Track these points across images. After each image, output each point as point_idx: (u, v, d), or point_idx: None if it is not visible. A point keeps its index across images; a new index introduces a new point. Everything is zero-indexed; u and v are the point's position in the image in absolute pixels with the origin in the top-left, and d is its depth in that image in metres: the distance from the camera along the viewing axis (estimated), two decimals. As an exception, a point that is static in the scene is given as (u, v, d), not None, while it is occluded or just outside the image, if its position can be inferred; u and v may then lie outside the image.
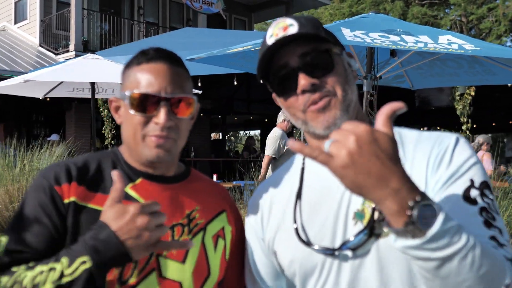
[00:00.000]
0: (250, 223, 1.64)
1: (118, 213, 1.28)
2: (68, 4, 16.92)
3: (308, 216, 1.45)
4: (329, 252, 1.38)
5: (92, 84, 8.29)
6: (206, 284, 1.58)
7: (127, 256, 1.28)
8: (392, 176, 1.02)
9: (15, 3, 18.91)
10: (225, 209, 1.71)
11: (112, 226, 1.27)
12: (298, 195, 1.50)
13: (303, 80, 1.38)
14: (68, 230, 1.41)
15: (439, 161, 1.33)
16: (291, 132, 8.00)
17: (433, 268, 1.06)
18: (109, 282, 1.40)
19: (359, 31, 4.71)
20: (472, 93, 10.65)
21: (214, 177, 12.39)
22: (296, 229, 1.45)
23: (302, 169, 1.56)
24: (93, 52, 12.03)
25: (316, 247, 1.40)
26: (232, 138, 43.22)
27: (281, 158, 7.42)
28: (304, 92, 1.40)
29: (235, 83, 10.91)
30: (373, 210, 1.33)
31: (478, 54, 4.51)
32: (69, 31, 16.76)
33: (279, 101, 1.51)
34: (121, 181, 1.34)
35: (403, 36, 4.77)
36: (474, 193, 1.27)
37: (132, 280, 1.43)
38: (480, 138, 10.63)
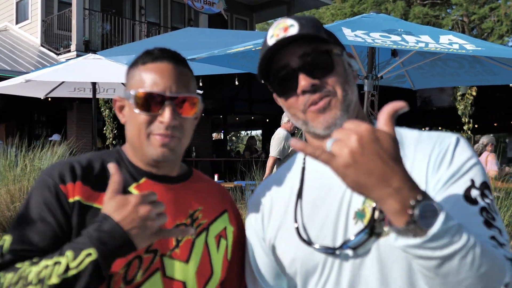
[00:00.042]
0: (251, 223, 1.64)
1: (119, 204, 1.29)
2: (70, 4, 16.93)
3: (309, 215, 1.46)
4: (330, 251, 1.38)
5: (93, 84, 8.29)
6: (209, 284, 1.59)
7: (132, 245, 1.29)
8: (393, 175, 1.02)
9: (17, 3, 18.93)
10: (226, 209, 1.72)
11: (115, 217, 1.28)
12: (299, 195, 1.51)
13: (303, 81, 1.39)
14: (73, 230, 1.42)
15: (439, 161, 1.34)
16: (294, 132, 7.99)
17: (434, 266, 1.06)
18: (114, 282, 1.41)
19: (360, 31, 4.71)
20: (474, 93, 10.65)
21: (216, 177, 12.40)
22: (297, 229, 1.45)
23: (303, 169, 1.56)
24: (95, 52, 12.04)
25: (317, 246, 1.40)
26: (233, 138, 43.25)
27: (286, 159, 7.41)
28: (304, 92, 1.40)
29: (237, 83, 10.92)
30: (374, 209, 1.33)
31: (479, 54, 4.50)
32: (71, 31, 16.77)
33: (280, 101, 1.51)
34: (118, 173, 1.35)
35: (404, 36, 4.77)
36: (474, 193, 1.28)
37: (137, 280, 1.44)
38: (484, 139, 10.57)
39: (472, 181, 1.30)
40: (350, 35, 4.57)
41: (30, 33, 18.16)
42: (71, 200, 1.44)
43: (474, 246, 1.06)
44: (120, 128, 13.21)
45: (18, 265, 1.32)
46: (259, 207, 1.62)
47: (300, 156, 1.62)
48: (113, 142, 12.39)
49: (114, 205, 1.30)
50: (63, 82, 8.83)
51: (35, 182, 1.49)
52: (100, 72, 7.97)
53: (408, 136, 1.45)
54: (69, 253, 1.26)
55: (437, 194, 1.30)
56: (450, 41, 4.74)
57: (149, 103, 1.47)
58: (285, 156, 7.43)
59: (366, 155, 1.01)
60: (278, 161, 7.47)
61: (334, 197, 1.42)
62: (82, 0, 16.74)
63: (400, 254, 1.17)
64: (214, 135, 25.75)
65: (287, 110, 1.49)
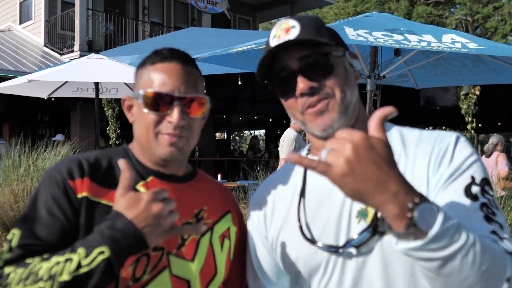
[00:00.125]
0: (253, 221, 1.65)
1: (132, 201, 1.29)
2: (73, 4, 16.95)
3: (312, 214, 1.46)
4: (333, 249, 1.39)
5: (96, 84, 8.31)
6: (212, 283, 1.60)
7: (145, 243, 1.29)
8: (390, 180, 1.03)
9: (20, 3, 18.96)
10: (230, 209, 1.73)
11: (128, 215, 1.28)
12: (302, 193, 1.51)
13: (301, 84, 1.40)
14: (80, 225, 1.42)
15: (440, 160, 1.35)
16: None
17: (436, 267, 1.07)
18: (123, 279, 1.42)
19: (362, 30, 4.71)
20: (477, 93, 10.64)
21: (219, 176, 12.41)
22: (300, 227, 1.46)
23: (305, 168, 1.56)
24: (98, 52, 12.05)
25: (320, 244, 1.41)
26: (237, 138, 43.26)
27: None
28: (302, 95, 1.42)
29: (240, 82, 10.93)
30: None
31: (482, 53, 4.50)
32: (74, 31, 16.80)
33: (281, 101, 1.52)
34: (129, 170, 1.35)
35: (406, 35, 4.76)
36: (475, 189, 1.29)
37: (145, 277, 1.45)
38: (494, 139, 10.52)
39: (473, 177, 1.31)
40: (352, 34, 4.57)
41: (34, 33, 18.19)
42: (79, 195, 1.44)
43: (474, 244, 1.06)
44: (123, 128, 13.25)
45: (28, 260, 1.32)
46: (262, 205, 1.63)
47: (303, 153, 1.63)
48: (116, 142, 12.42)
49: (126, 203, 1.29)
50: (66, 82, 8.84)
51: (43, 178, 1.49)
52: (103, 72, 7.98)
53: (409, 135, 1.46)
54: (81, 251, 1.26)
55: (438, 192, 1.31)
56: (453, 40, 4.73)
57: (158, 103, 1.49)
58: None
59: (362, 163, 1.02)
60: None
61: (337, 196, 1.41)
62: (85, 0, 16.75)
63: None
64: (218, 134, 25.76)
65: (287, 110, 1.51)
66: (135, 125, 1.58)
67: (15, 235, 1.38)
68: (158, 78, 1.50)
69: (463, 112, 10.85)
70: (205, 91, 1.60)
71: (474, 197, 1.27)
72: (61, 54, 16.87)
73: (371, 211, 1.36)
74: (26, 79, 7.93)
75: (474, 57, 5.84)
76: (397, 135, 1.47)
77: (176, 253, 1.52)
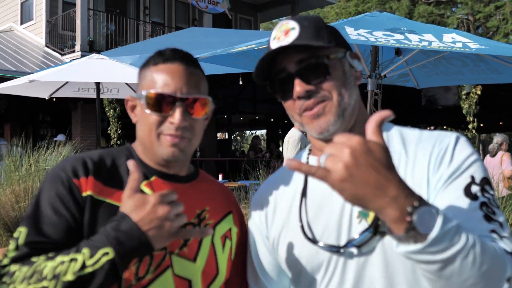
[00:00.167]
0: (255, 221, 1.65)
1: (138, 203, 1.29)
2: (74, 5, 16.96)
3: (313, 214, 1.47)
4: (334, 249, 1.39)
5: (97, 84, 8.31)
6: (214, 283, 1.60)
7: (149, 246, 1.29)
8: (389, 184, 1.04)
9: (21, 3, 18.98)
10: (231, 210, 1.74)
11: (134, 217, 1.28)
12: (303, 193, 1.52)
13: (298, 87, 1.41)
14: (84, 224, 1.42)
15: (440, 160, 1.35)
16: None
17: (436, 269, 1.07)
18: (126, 279, 1.42)
19: (363, 29, 4.70)
20: (478, 92, 10.63)
21: (220, 176, 12.41)
22: (302, 227, 1.46)
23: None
24: (99, 52, 12.05)
25: (321, 244, 1.41)
26: (238, 137, 43.27)
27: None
28: (299, 98, 1.42)
29: (241, 82, 10.92)
30: None
31: (483, 52, 4.49)
32: (75, 32, 16.81)
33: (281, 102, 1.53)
34: (138, 171, 1.35)
35: (407, 34, 4.76)
36: (474, 189, 1.29)
37: (148, 277, 1.45)
38: (498, 138, 10.51)
39: (472, 177, 1.31)
40: (353, 34, 4.57)
41: (35, 33, 18.21)
42: (84, 194, 1.45)
43: (474, 245, 1.07)
44: (124, 128, 13.25)
45: (33, 258, 1.32)
46: (263, 205, 1.63)
47: (304, 155, 1.63)
48: (117, 142, 12.43)
49: (132, 204, 1.29)
50: (67, 82, 8.84)
51: (47, 176, 1.50)
52: (104, 72, 7.98)
53: (409, 135, 1.47)
54: (85, 251, 1.26)
55: (438, 192, 1.32)
56: (454, 40, 4.73)
57: (160, 103, 1.49)
58: None
59: (360, 168, 1.02)
60: None
61: (338, 196, 1.41)
62: (86, 0, 16.77)
63: None
64: (219, 134, 25.78)
65: (286, 111, 1.51)
66: (138, 125, 1.58)
67: (21, 233, 1.39)
68: (161, 79, 1.51)
69: (464, 111, 10.85)
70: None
71: (474, 197, 1.28)
72: (62, 54, 16.88)
73: (372, 212, 1.36)
74: (27, 79, 7.93)
75: (475, 57, 5.84)
76: (397, 135, 1.47)
77: (179, 253, 1.52)
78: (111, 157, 1.57)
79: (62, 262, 1.26)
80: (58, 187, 1.44)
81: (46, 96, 9.33)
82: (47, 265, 1.27)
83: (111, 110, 12.66)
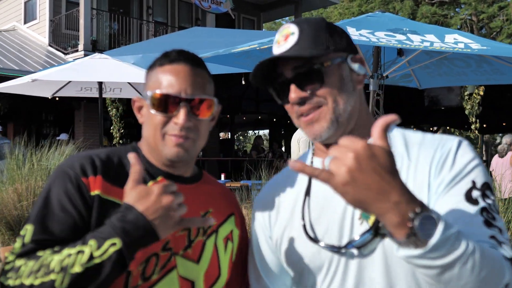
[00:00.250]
0: (258, 221, 1.66)
1: (142, 194, 1.31)
2: (77, 4, 16.98)
3: (316, 214, 1.47)
4: (335, 250, 1.40)
5: (100, 83, 8.32)
6: (216, 285, 1.61)
7: (155, 235, 1.30)
8: (391, 189, 1.04)
9: (25, 3, 19.01)
10: (233, 212, 1.75)
11: (139, 207, 1.29)
12: (307, 193, 1.52)
13: (293, 93, 1.42)
14: (92, 223, 1.43)
15: (441, 164, 1.35)
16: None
17: (436, 274, 1.08)
18: (133, 278, 1.43)
19: (365, 30, 4.70)
20: (481, 93, 10.62)
21: (222, 176, 12.41)
22: (304, 226, 1.47)
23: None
24: (102, 51, 12.06)
25: (322, 244, 1.42)
26: (241, 137, 43.28)
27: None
28: (294, 103, 1.44)
29: (243, 82, 10.92)
30: None
31: (485, 53, 4.49)
32: (78, 31, 16.83)
33: None
34: (139, 163, 1.37)
35: (409, 35, 4.76)
36: (475, 194, 1.30)
37: (154, 277, 1.46)
38: (507, 138, 10.47)
39: (474, 182, 1.31)
40: (355, 34, 4.57)
41: (38, 32, 18.23)
42: (92, 193, 1.46)
43: (473, 252, 1.08)
44: (126, 128, 13.28)
45: (39, 253, 1.33)
46: (267, 205, 1.64)
47: (308, 156, 1.64)
48: (120, 141, 12.45)
49: (136, 195, 1.31)
50: (69, 81, 8.85)
51: (54, 174, 1.50)
52: (106, 71, 8.00)
53: (412, 138, 1.47)
54: (92, 242, 1.27)
55: (439, 196, 1.32)
56: (456, 40, 4.73)
57: (165, 104, 1.50)
58: None
59: (363, 172, 1.03)
60: None
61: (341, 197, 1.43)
62: (89, 0, 16.79)
63: None
64: (222, 134, 25.78)
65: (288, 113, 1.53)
66: (144, 125, 1.59)
67: (28, 230, 1.39)
68: (166, 80, 1.52)
69: (467, 112, 10.84)
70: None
71: (474, 202, 1.28)
72: (65, 54, 16.91)
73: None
74: (30, 78, 7.94)
75: (478, 57, 5.83)
76: (400, 138, 1.47)
77: (183, 254, 1.54)
78: (118, 156, 1.58)
79: (69, 255, 1.27)
80: (66, 184, 1.45)
81: (49, 95, 9.34)
82: (54, 258, 1.28)
83: (114, 110, 12.69)
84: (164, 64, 1.54)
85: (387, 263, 1.34)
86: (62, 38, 17.61)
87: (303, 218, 1.48)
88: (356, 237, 1.38)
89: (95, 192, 1.46)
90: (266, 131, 30.03)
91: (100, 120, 8.51)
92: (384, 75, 5.72)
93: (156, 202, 1.29)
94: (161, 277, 1.48)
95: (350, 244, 1.38)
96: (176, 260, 1.52)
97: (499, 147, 10.51)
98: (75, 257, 1.26)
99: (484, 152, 25.76)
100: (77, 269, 1.24)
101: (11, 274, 1.30)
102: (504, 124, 21.49)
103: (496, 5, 32.86)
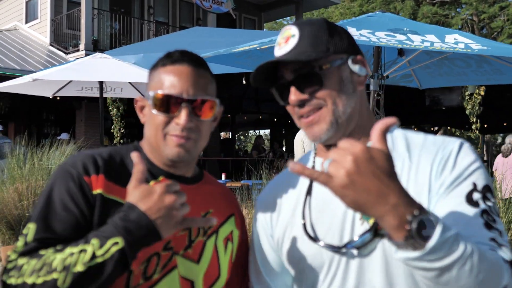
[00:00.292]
0: (260, 219, 1.66)
1: (145, 193, 1.31)
2: (79, 4, 16.98)
3: (317, 213, 1.48)
4: (334, 249, 1.40)
5: (100, 83, 8.32)
6: (215, 285, 1.62)
7: (158, 234, 1.30)
8: (390, 192, 1.05)
9: (26, 2, 19.01)
10: (234, 212, 1.75)
11: (141, 207, 1.29)
12: (309, 192, 1.53)
13: (293, 96, 1.43)
14: (94, 222, 1.43)
15: (443, 166, 1.36)
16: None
17: (434, 276, 1.09)
18: (134, 277, 1.43)
19: (365, 30, 4.70)
20: (482, 93, 10.61)
21: (223, 176, 12.41)
22: (304, 225, 1.48)
23: (313, 167, 1.59)
24: (103, 51, 12.06)
25: (321, 243, 1.42)
26: (242, 137, 43.27)
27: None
28: (294, 105, 1.45)
29: (244, 82, 10.92)
30: None
31: (485, 53, 4.49)
32: (80, 31, 16.83)
33: None
34: (142, 163, 1.37)
35: (409, 35, 4.76)
36: (476, 196, 1.30)
37: (155, 277, 1.47)
38: (511, 138, 10.47)
39: (474, 184, 1.32)
40: (355, 34, 4.57)
41: (39, 32, 18.24)
42: (94, 192, 1.46)
43: (471, 254, 1.08)
44: (127, 127, 13.28)
45: (42, 252, 1.33)
46: (269, 204, 1.65)
47: (311, 157, 1.64)
48: (121, 141, 12.45)
49: (139, 194, 1.31)
50: (70, 81, 8.86)
51: (57, 172, 1.50)
52: (107, 71, 7.99)
53: (414, 140, 1.47)
54: (95, 241, 1.27)
55: (440, 198, 1.33)
56: (456, 40, 4.73)
57: (167, 104, 1.51)
58: None
59: (362, 175, 1.04)
60: None
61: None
62: (91, -1, 16.81)
63: None
64: (222, 134, 25.78)
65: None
66: (146, 125, 1.60)
67: (30, 229, 1.40)
68: (168, 80, 1.52)
69: (467, 112, 10.84)
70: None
71: (475, 204, 1.29)
72: (66, 53, 16.91)
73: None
74: (30, 78, 7.94)
75: (478, 58, 5.83)
76: (402, 139, 1.48)
77: (183, 254, 1.54)
78: (120, 155, 1.58)
79: (72, 254, 1.27)
80: (69, 183, 1.45)
81: (49, 95, 9.34)
82: (56, 257, 1.28)
83: (115, 109, 12.69)
84: (166, 65, 1.55)
85: (387, 263, 1.34)
86: (63, 38, 17.62)
87: (303, 217, 1.49)
88: (355, 237, 1.38)
89: (97, 191, 1.46)
90: (267, 131, 30.04)
91: (101, 119, 8.51)
92: (385, 75, 5.72)
93: (158, 202, 1.29)
94: (162, 276, 1.48)
95: (349, 244, 1.38)
96: (176, 260, 1.52)
97: (503, 147, 10.51)
98: (77, 256, 1.26)
99: (485, 152, 25.72)
100: (79, 268, 1.24)
101: (14, 272, 1.31)
102: (505, 124, 21.48)
103: (497, 5, 32.83)
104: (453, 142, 1.40)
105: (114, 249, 1.25)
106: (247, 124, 27.89)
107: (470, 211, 1.28)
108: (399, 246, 1.07)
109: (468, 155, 1.37)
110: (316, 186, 1.52)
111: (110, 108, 12.88)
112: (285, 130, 24.55)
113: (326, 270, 1.44)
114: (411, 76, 6.74)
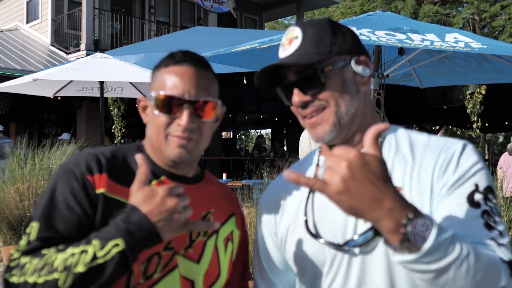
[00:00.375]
0: (264, 217, 1.68)
1: (147, 195, 1.31)
2: (80, 4, 17.01)
3: (320, 211, 1.49)
4: (336, 247, 1.41)
5: (101, 83, 8.33)
6: (215, 285, 1.63)
7: (158, 237, 1.30)
8: (385, 196, 1.07)
9: (27, 2, 19.04)
10: (234, 212, 1.76)
11: (143, 209, 1.29)
12: (312, 190, 1.52)
13: (296, 97, 1.44)
14: (96, 221, 1.43)
15: (445, 167, 1.36)
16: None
17: (431, 278, 1.11)
18: (134, 277, 1.44)
19: (365, 29, 4.69)
20: (483, 92, 10.61)
21: (224, 175, 12.42)
22: (306, 222, 1.49)
23: (317, 165, 1.60)
24: (104, 51, 12.06)
25: (322, 241, 1.43)
26: (243, 137, 43.28)
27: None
28: (298, 106, 1.46)
29: (245, 81, 10.92)
30: None
31: (485, 52, 4.48)
32: (80, 31, 16.86)
33: None
34: (146, 164, 1.37)
35: (409, 34, 4.75)
36: (477, 197, 1.31)
37: (156, 276, 1.47)
38: None
39: (476, 185, 1.33)
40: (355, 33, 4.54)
41: (40, 32, 18.27)
42: (97, 191, 1.46)
43: (468, 255, 1.10)
44: (128, 127, 13.29)
45: (44, 251, 1.34)
46: (273, 202, 1.65)
47: (315, 156, 1.65)
48: (122, 141, 12.46)
49: (141, 197, 1.31)
50: (71, 81, 8.87)
51: (59, 171, 1.51)
52: (107, 71, 8.01)
53: (417, 140, 1.48)
54: (96, 242, 1.27)
55: (441, 198, 1.33)
56: (456, 39, 4.72)
57: (169, 105, 1.51)
58: None
59: (357, 181, 1.06)
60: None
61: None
62: (91, -1, 16.83)
63: None
64: (224, 134, 25.78)
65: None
66: (148, 125, 1.60)
67: (33, 228, 1.40)
68: (170, 81, 1.52)
69: (468, 111, 10.83)
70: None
71: (476, 205, 1.29)
72: (67, 53, 16.94)
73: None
74: (31, 78, 7.95)
75: (479, 56, 5.82)
76: (405, 139, 1.48)
77: (184, 254, 1.55)
78: (123, 154, 1.59)
79: (73, 254, 1.27)
80: (72, 182, 1.46)
81: (50, 94, 9.35)
82: (58, 257, 1.28)
83: (115, 109, 12.70)
84: (169, 65, 1.55)
85: (389, 262, 1.35)
86: (64, 38, 17.64)
87: (305, 214, 1.50)
88: (356, 235, 1.39)
89: (100, 190, 1.46)
90: (268, 131, 30.04)
91: (102, 119, 8.52)
92: (385, 74, 5.71)
93: (160, 204, 1.29)
94: (162, 276, 1.49)
95: (350, 242, 1.39)
96: (177, 259, 1.52)
97: (509, 145, 10.55)
98: (78, 256, 1.26)
99: (486, 151, 25.71)
100: (80, 268, 1.25)
101: (16, 271, 1.31)
102: (506, 123, 21.47)
103: (498, 4, 32.79)
104: (456, 144, 1.41)
105: (115, 250, 1.26)
106: (248, 123, 27.92)
107: (471, 211, 1.28)
108: (395, 249, 1.09)
109: (470, 156, 1.37)
110: None
111: (111, 108, 12.89)
112: (286, 130, 24.56)
113: (328, 268, 1.44)
114: (412, 75, 6.73)
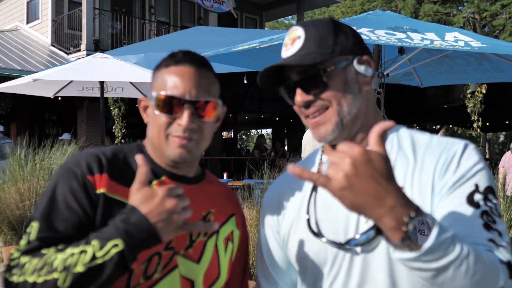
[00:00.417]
0: (267, 216, 1.68)
1: (146, 196, 1.31)
2: (80, 4, 17.01)
3: (323, 210, 1.49)
4: (337, 246, 1.42)
5: (101, 83, 8.33)
6: (215, 285, 1.63)
7: (158, 238, 1.30)
8: (387, 194, 1.07)
9: (27, 3, 19.04)
10: (234, 212, 1.76)
11: (142, 210, 1.29)
12: (314, 188, 1.54)
13: (298, 97, 1.45)
14: (97, 221, 1.44)
15: (446, 166, 1.37)
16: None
17: (430, 277, 1.12)
18: (135, 277, 1.44)
19: (365, 28, 4.69)
20: (484, 91, 10.59)
21: (225, 175, 12.41)
22: (308, 220, 1.50)
23: (320, 164, 1.60)
24: (104, 51, 12.06)
25: (324, 239, 1.44)
26: (244, 136, 43.28)
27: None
28: (300, 106, 1.47)
29: (245, 81, 10.91)
30: None
31: (485, 51, 4.47)
32: (81, 31, 16.86)
33: None
34: (146, 165, 1.37)
35: (409, 33, 4.74)
36: (477, 197, 1.32)
37: (156, 276, 1.48)
38: None
39: (476, 185, 1.33)
40: (355, 32, 4.54)
41: (41, 32, 18.27)
42: (98, 191, 1.46)
43: (467, 255, 1.11)
44: (129, 127, 13.28)
45: (43, 251, 1.34)
46: (276, 201, 1.66)
47: (318, 155, 1.66)
48: (122, 141, 12.46)
49: (141, 197, 1.31)
50: (71, 81, 8.87)
51: (60, 171, 1.51)
52: (107, 71, 8.00)
53: (419, 140, 1.49)
54: (95, 243, 1.28)
55: (442, 198, 1.34)
56: (456, 38, 4.72)
57: (169, 105, 1.51)
58: None
59: (360, 178, 1.06)
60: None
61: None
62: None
63: None
64: (224, 133, 25.77)
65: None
66: (149, 125, 1.60)
67: (33, 227, 1.40)
68: (171, 81, 1.52)
69: (469, 110, 10.82)
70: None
71: (475, 205, 1.30)
72: (68, 54, 16.94)
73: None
74: (31, 78, 7.95)
75: (479, 55, 5.81)
76: (407, 139, 1.49)
77: (184, 254, 1.55)
78: (123, 154, 1.59)
79: (72, 254, 1.28)
80: (72, 182, 1.46)
81: (51, 95, 9.36)
82: (58, 257, 1.29)
83: (116, 109, 12.70)
84: (169, 65, 1.55)
85: (390, 261, 1.36)
86: (65, 38, 17.64)
87: (307, 212, 1.51)
88: (358, 234, 1.40)
89: (100, 190, 1.47)
90: (269, 130, 30.02)
91: (102, 119, 8.53)
92: (385, 73, 5.71)
93: (160, 205, 1.29)
94: (162, 276, 1.49)
95: (351, 241, 1.40)
96: (177, 259, 1.53)
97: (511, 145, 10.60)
98: (78, 256, 1.27)
99: (487, 150, 25.69)
100: (79, 268, 1.25)
101: (16, 270, 1.32)
102: (506, 122, 21.45)
103: (499, 3, 32.75)
104: (458, 144, 1.41)
105: (114, 251, 1.26)
106: (249, 123, 27.91)
107: (470, 211, 1.29)
108: (396, 247, 1.09)
109: (471, 156, 1.38)
110: None
111: (111, 108, 12.89)
112: (287, 129, 24.53)
113: (330, 267, 1.45)
114: (412, 75, 6.73)
